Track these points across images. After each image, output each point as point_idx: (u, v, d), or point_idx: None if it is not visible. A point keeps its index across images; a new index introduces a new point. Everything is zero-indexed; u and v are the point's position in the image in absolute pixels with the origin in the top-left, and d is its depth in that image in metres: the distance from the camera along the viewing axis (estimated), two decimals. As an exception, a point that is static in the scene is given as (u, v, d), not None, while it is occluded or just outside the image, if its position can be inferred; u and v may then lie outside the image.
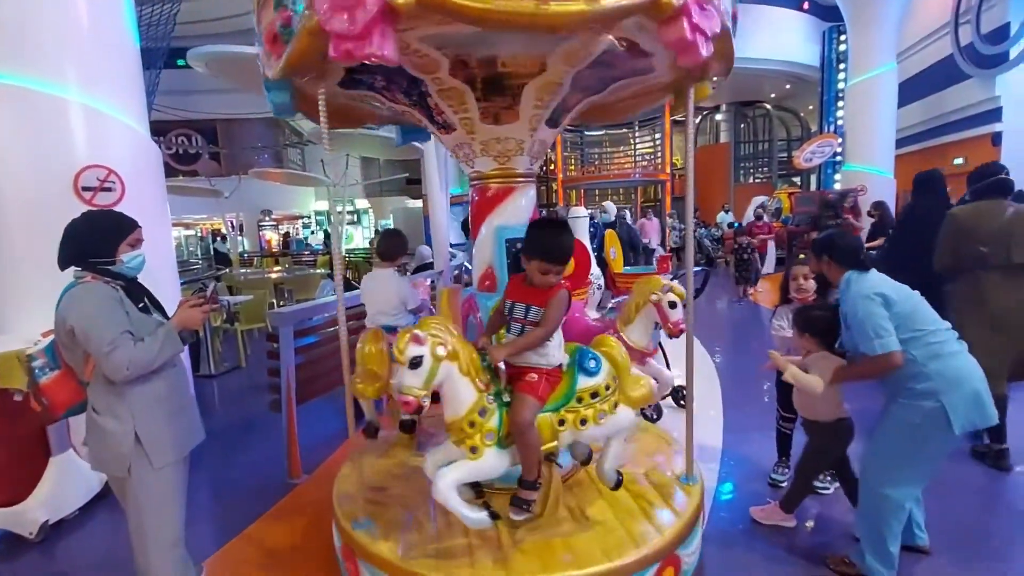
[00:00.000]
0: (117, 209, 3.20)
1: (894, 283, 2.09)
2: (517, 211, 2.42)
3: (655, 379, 2.61)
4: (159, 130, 3.65)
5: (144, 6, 7.61)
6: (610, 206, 10.44)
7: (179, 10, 8.54)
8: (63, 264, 1.77)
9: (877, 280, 2.08)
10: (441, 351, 1.69)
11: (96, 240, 1.77)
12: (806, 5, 15.03)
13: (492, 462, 1.80)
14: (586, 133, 17.47)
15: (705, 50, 1.60)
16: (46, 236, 3.05)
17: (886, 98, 11.75)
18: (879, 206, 7.12)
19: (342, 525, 2.12)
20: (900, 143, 12.47)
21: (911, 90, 12.66)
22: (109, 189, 3.24)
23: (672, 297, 2.73)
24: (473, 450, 1.78)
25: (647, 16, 1.54)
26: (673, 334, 2.73)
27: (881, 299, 2.00)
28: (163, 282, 3.76)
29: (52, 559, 2.65)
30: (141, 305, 1.83)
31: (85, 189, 3.15)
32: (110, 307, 1.69)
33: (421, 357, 1.65)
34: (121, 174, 3.29)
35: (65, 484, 2.88)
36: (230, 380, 5.74)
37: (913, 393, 2.00)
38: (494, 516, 1.86)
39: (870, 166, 11.78)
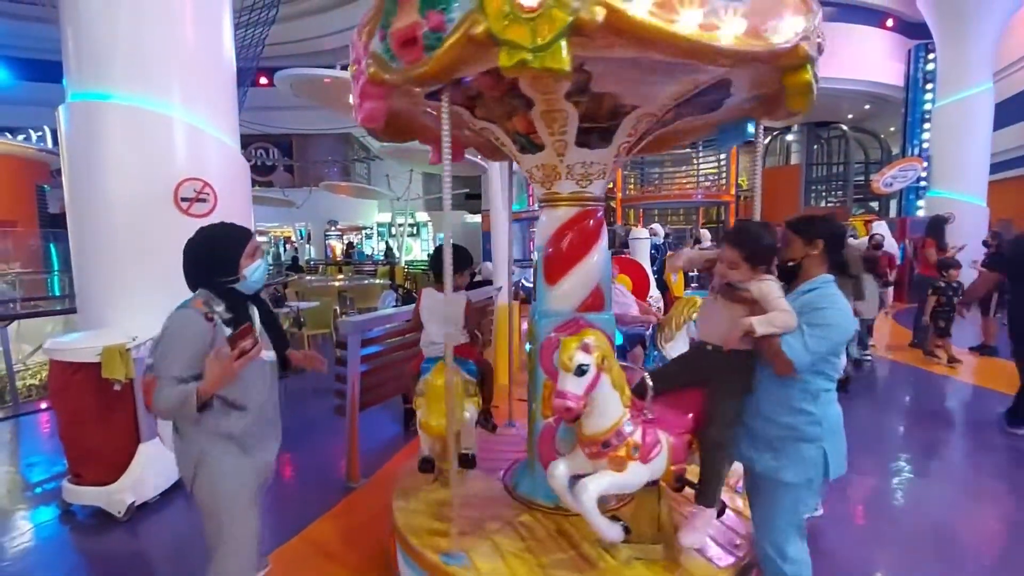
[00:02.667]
0: (212, 217, 3.52)
1: None
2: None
3: None
4: (240, 143, 3.93)
5: (239, 29, 8.30)
6: (658, 228, 10.21)
7: (268, 34, 9.23)
8: (193, 286, 1.77)
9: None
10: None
11: (217, 258, 1.75)
12: (890, 23, 14.30)
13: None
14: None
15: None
16: (148, 241, 3.39)
17: (980, 120, 10.93)
18: (997, 236, 6.55)
19: (428, 559, 2.08)
20: (995, 168, 11.52)
21: (1010, 112, 11.70)
22: (204, 200, 3.52)
23: None
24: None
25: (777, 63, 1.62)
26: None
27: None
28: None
29: (135, 538, 2.87)
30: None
31: (183, 199, 3.44)
32: (186, 344, 1.64)
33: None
34: (215, 186, 3.57)
35: (150, 469, 3.13)
36: (294, 383, 6.03)
37: (805, 436, 1.76)
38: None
39: (960, 192, 10.94)
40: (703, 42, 1.47)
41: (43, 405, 5.03)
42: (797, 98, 1.78)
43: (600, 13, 1.36)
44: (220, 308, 1.72)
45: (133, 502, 2.98)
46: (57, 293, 9.86)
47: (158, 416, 1.68)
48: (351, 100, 2.10)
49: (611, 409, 1.81)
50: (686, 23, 1.44)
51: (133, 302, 3.36)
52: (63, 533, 2.93)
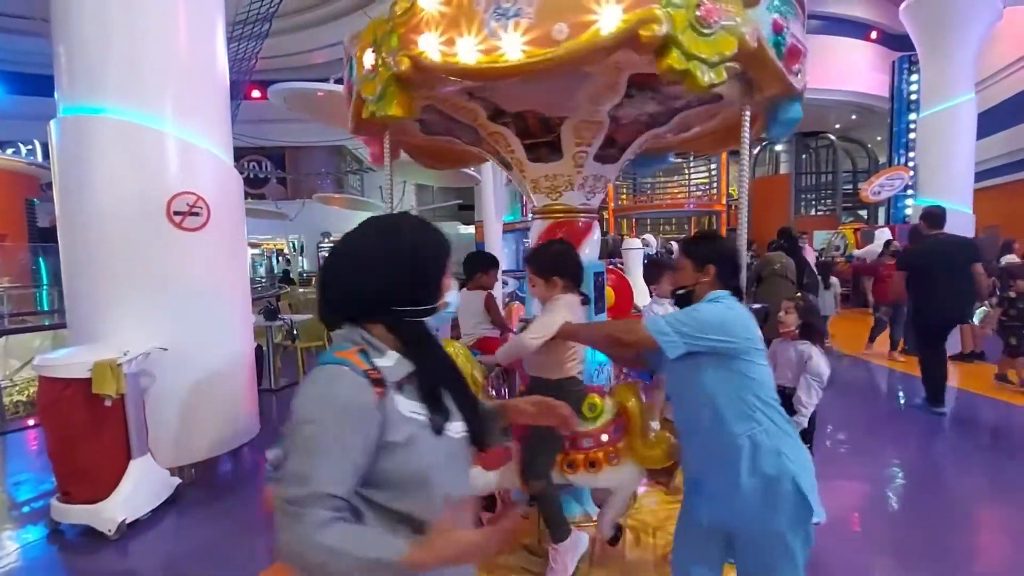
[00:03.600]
0: (205, 231, 3.52)
1: None
2: (597, 243, 2.50)
3: None
4: (233, 156, 3.93)
5: (232, 43, 8.33)
6: (650, 239, 10.28)
7: (262, 47, 9.27)
8: (335, 317, 1.02)
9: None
10: None
11: (420, 273, 1.01)
12: (874, 35, 14.60)
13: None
14: (639, 162, 17.41)
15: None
16: (140, 255, 3.39)
17: (964, 130, 11.12)
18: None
19: None
20: (980, 176, 11.71)
21: (992, 121, 11.94)
22: (197, 213, 3.52)
23: None
24: None
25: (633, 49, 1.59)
26: None
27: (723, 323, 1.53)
28: (240, 300, 4.03)
29: (127, 557, 2.82)
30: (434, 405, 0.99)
31: (176, 213, 3.44)
32: (350, 432, 0.88)
33: None
34: (208, 199, 3.57)
35: (142, 486, 3.08)
36: (288, 396, 5.96)
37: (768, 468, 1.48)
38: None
39: (946, 200, 11.10)
40: (490, 67, 1.59)
41: (31, 422, 4.95)
42: (685, 86, 1.60)
43: (405, 63, 1.64)
44: (387, 362, 0.96)
45: (124, 520, 2.93)
46: (46, 308, 9.75)
47: (288, 562, 0.86)
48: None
49: None
50: (464, 52, 1.59)
51: (124, 317, 3.35)
52: (51, 553, 2.87)
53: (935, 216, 4.76)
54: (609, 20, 1.48)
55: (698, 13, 1.48)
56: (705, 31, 1.50)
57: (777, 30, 1.65)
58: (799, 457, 1.51)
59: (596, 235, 2.51)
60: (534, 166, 2.39)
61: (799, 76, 1.83)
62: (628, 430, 2.04)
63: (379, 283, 0.98)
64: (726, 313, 1.55)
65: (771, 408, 1.53)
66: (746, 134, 1.96)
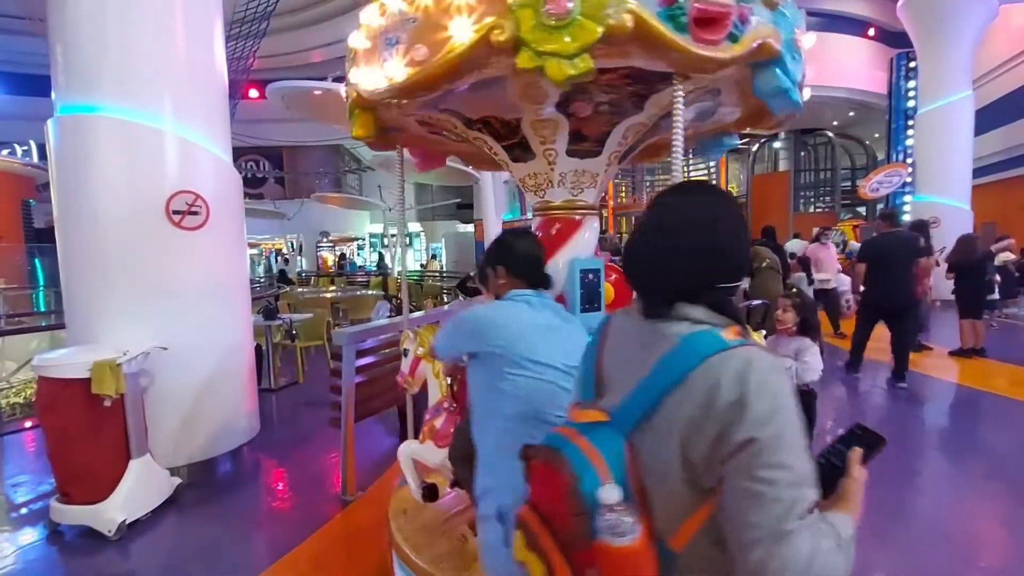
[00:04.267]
0: (204, 230, 3.50)
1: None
2: (591, 239, 2.46)
3: None
4: (231, 155, 3.91)
5: (229, 42, 8.30)
6: None
7: (259, 46, 9.24)
8: (688, 290, 0.87)
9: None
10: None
11: (736, 248, 0.91)
12: (871, 32, 14.60)
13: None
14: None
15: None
16: (139, 254, 3.37)
17: (961, 127, 11.16)
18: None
19: (426, 571, 2.08)
20: (978, 173, 11.74)
21: (990, 118, 11.95)
22: (195, 213, 3.50)
23: None
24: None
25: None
26: None
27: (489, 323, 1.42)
28: (239, 300, 4.02)
29: (127, 557, 2.80)
30: None
31: (175, 212, 3.42)
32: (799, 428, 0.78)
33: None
34: (206, 198, 3.56)
35: (141, 486, 3.07)
36: (288, 395, 5.97)
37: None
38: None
39: (943, 197, 11.14)
40: (386, 88, 1.73)
41: (28, 424, 4.93)
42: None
43: (352, 94, 1.67)
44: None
45: (124, 520, 2.91)
46: (43, 309, 9.72)
47: None
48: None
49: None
50: (368, 80, 1.79)
51: (123, 316, 3.33)
52: (51, 554, 2.86)
53: (890, 216, 5.69)
54: (462, 33, 1.55)
55: (546, 8, 1.45)
56: (556, 24, 1.46)
57: (667, 2, 1.52)
58: (500, 485, 1.35)
59: (586, 232, 2.46)
60: (515, 166, 2.41)
61: (730, 42, 1.58)
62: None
63: (731, 259, 0.89)
64: (484, 315, 1.44)
65: (515, 425, 1.34)
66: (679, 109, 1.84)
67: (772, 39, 1.57)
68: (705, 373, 0.77)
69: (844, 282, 7.81)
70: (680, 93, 1.73)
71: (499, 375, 1.36)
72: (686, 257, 0.86)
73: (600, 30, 1.46)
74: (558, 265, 2.45)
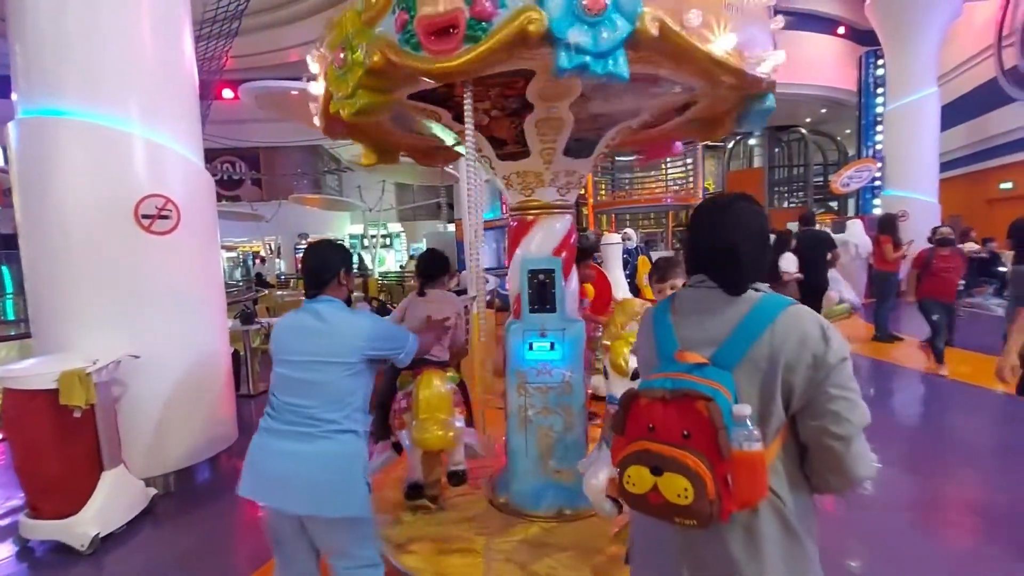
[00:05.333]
0: (175, 234, 3.42)
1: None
2: (545, 239, 2.46)
3: None
4: (206, 157, 3.82)
5: (200, 42, 8.11)
6: (631, 232, 10.38)
7: (231, 46, 9.06)
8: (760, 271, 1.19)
9: None
10: None
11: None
12: (841, 30, 14.92)
13: None
14: (617, 158, 17.52)
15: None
16: (107, 260, 3.28)
17: (927, 123, 11.47)
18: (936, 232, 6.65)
19: None
20: (944, 167, 12.09)
21: (954, 114, 12.32)
22: (166, 216, 3.43)
23: None
24: None
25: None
26: None
27: None
28: (213, 304, 3.94)
29: (100, 572, 2.73)
30: None
31: (144, 217, 3.34)
32: None
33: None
34: (177, 202, 3.48)
35: (115, 499, 2.99)
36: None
37: None
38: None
39: (912, 191, 11.44)
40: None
41: (-3, 436, 4.77)
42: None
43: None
44: None
45: (97, 534, 2.84)
46: (11, 317, 9.40)
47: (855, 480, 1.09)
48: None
49: None
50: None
51: (92, 324, 3.25)
52: (21, 571, 2.77)
53: (807, 217, 6.77)
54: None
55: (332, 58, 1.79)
56: (338, 71, 1.81)
57: (400, 27, 1.60)
58: None
59: (534, 230, 2.47)
60: (504, 164, 2.40)
61: (470, 43, 1.55)
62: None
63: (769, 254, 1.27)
64: None
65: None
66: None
67: (532, 24, 1.43)
68: (787, 320, 1.07)
69: (832, 277, 7.06)
70: (469, 100, 1.83)
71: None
72: (763, 250, 1.19)
73: (360, 72, 1.71)
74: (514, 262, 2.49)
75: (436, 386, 2.43)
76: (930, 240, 6.61)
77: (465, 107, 1.80)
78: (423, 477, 2.63)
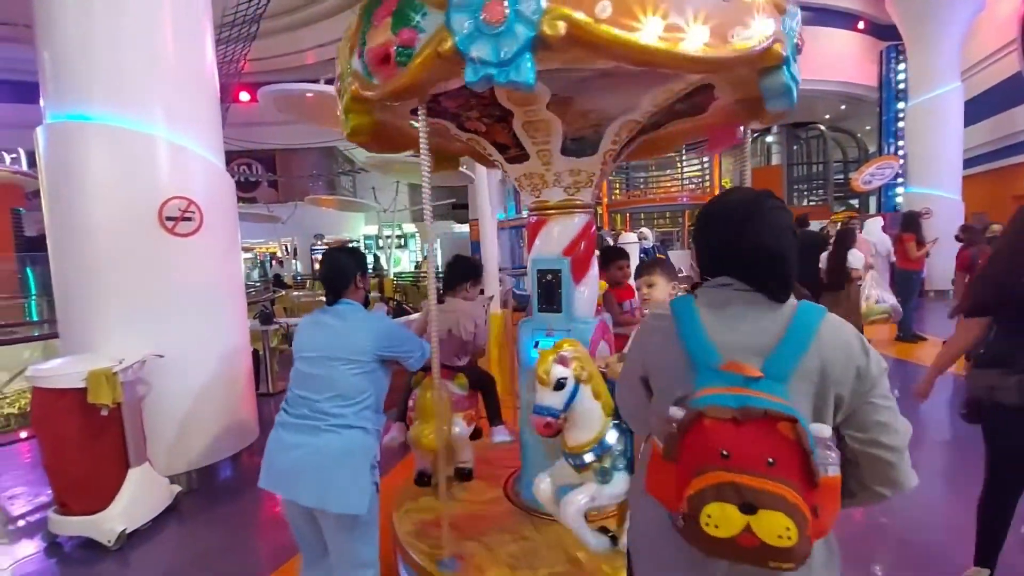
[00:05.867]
0: (198, 236, 3.47)
1: None
2: (553, 239, 2.43)
3: None
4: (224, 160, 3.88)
5: (219, 45, 8.23)
6: (647, 232, 10.33)
7: (250, 49, 9.17)
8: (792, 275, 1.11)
9: None
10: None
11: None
12: (861, 25, 14.65)
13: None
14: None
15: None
16: (132, 261, 3.34)
17: (951, 118, 11.23)
18: (968, 229, 6.57)
19: (427, 568, 2.09)
20: (968, 164, 11.82)
21: (979, 109, 12.03)
22: (189, 218, 3.48)
23: None
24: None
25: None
26: None
27: None
28: (235, 305, 3.99)
29: (127, 567, 2.78)
30: None
31: (168, 219, 3.39)
32: None
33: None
34: (200, 204, 3.53)
35: (141, 495, 3.05)
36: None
37: None
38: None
39: (935, 188, 11.21)
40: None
41: (23, 434, 4.89)
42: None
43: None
44: None
45: (124, 530, 2.89)
46: (36, 318, 9.62)
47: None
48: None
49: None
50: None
51: (118, 324, 3.31)
52: (50, 567, 2.83)
53: (801, 218, 6.95)
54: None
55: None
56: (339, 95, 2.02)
57: (359, 58, 1.82)
58: None
59: (544, 230, 2.44)
60: (511, 166, 2.40)
61: (402, 67, 1.67)
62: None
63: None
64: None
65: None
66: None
67: (443, 44, 1.48)
68: (830, 330, 1.01)
69: (870, 282, 6.44)
70: (423, 112, 1.88)
71: None
72: (794, 252, 1.09)
73: (347, 98, 1.92)
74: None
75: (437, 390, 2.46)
76: (957, 238, 6.46)
77: (420, 127, 1.90)
78: (430, 467, 2.68)
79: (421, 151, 1.92)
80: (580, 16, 1.39)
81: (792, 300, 1.07)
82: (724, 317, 1.06)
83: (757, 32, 1.57)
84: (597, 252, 2.62)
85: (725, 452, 0.86)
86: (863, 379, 0.99)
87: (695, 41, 1.49)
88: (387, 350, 1.88)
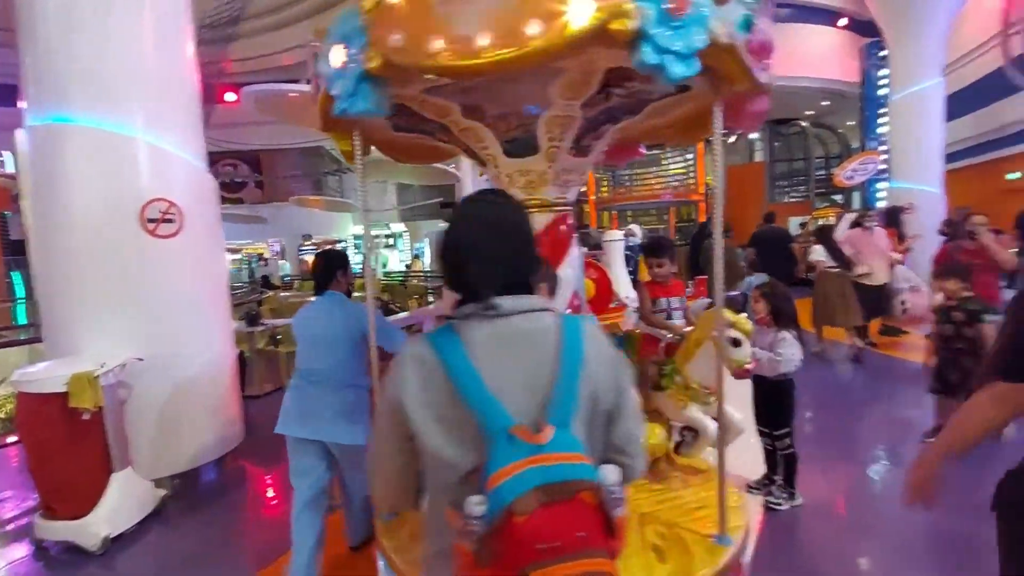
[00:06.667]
0: (179, 237, 3.47)
1: None
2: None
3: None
4: (207, 160, 3.87)
5: (201, 46, 8.14)
6: (636, 228, 10.39)
7: (230, 50, 9.09)
8: (527, 279, 1.05)
9: None
10: None
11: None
12: (842, 21, 14.80)
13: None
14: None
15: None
16: (115, 264, 3.33)
17: (932, 113, 11.38)
18: (951, 223, 6.67)
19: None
20: (950, 158, 11.99)
21: (961, 103, 12.21)
22: (170, 220, 3.47)
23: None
24: None
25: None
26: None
27: None
28: (218, 306, 3.99)
29: (111, 572, 2.79)
30: None
31: (150, 220, 3.39)
32: None
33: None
34: (181, 206, 3.52)
35: (125, 500, 3.05)
36: (273, 401, 5.92)
37: None
38: None
39: (917, 183, 11.37)
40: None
41: (11, 439, 4.84)
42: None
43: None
44: None
45: (108, 535, 2.89)
46: (23, 322, 9.50)
47: None
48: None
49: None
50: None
51: (101, 328, 3.30)
52: (37, 570, 2.83)
53: (768, 215, 8.18)
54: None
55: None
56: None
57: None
58: None
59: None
60: (508, 161, 2.39)
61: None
62: None
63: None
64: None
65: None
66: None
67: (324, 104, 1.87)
68: (594, 344, 0.95)
69: (900, 277, 5.92)
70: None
71: None
72: (524, 251, 1.00)
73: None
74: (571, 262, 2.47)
75: None
76: (941, 232, 6.57)
77: (354, 146, 2.14)
78: None
79: (356, 167, 2.23)
80: (391, 48, 1.58)
81: (549, 314, 0.95)
82: (491, 344, 0.92)
83: (576, 15, 1.44)
84: (585, 249, 2.66)
85: (542, 546, 0.77)
86: (620, 392, 0.97)
87: (484, 45, 1.50)
88: (360, 331, 2.43)
